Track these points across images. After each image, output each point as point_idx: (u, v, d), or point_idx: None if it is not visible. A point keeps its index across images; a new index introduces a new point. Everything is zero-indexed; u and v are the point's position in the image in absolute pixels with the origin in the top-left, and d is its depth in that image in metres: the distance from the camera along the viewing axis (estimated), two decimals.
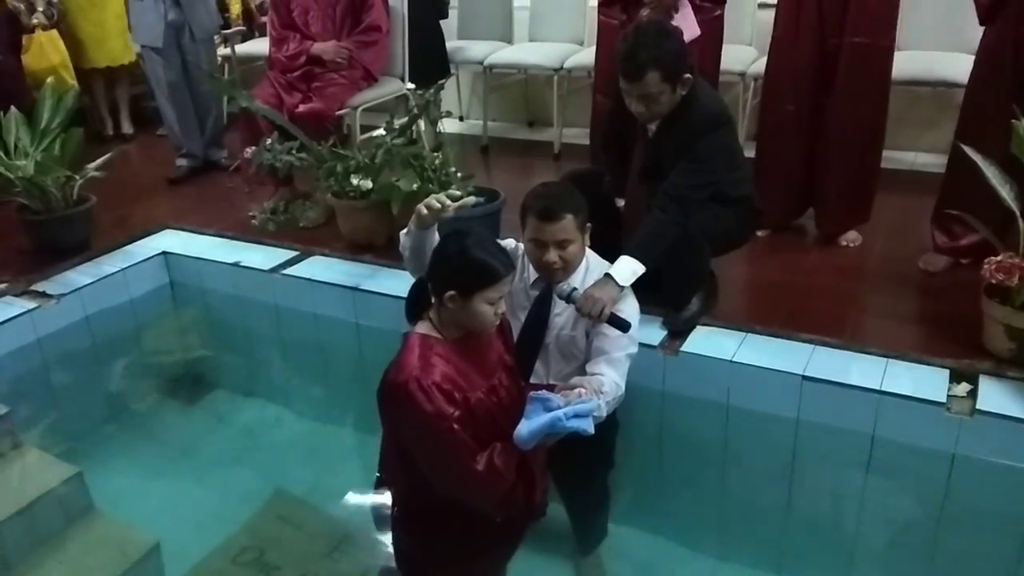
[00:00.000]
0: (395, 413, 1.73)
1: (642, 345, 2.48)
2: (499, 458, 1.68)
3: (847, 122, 2.96)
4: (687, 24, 2.89)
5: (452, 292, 1.69)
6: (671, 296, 2.57)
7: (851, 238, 3.16)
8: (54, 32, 4.79)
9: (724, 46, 3.27)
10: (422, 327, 1.75)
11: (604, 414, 1.87)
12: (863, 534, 2.31)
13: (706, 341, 2.50)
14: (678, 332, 2.55)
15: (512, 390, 1.81)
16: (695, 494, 2.47)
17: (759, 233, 3.22)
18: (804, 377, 2.31)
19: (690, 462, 2.52)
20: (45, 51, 4.67)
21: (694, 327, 2.56)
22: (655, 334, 2.54)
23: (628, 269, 2.20)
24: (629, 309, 2.11)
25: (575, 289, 2.07)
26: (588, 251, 2.18)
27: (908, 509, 2.29)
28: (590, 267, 2.16)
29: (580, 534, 2.27)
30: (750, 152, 3.36)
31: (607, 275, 2.15)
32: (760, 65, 3.72)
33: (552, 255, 2.05)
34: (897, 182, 3.53)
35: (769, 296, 2.82)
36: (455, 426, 1.64)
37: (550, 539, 2.23)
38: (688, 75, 2.30)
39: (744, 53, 4.06)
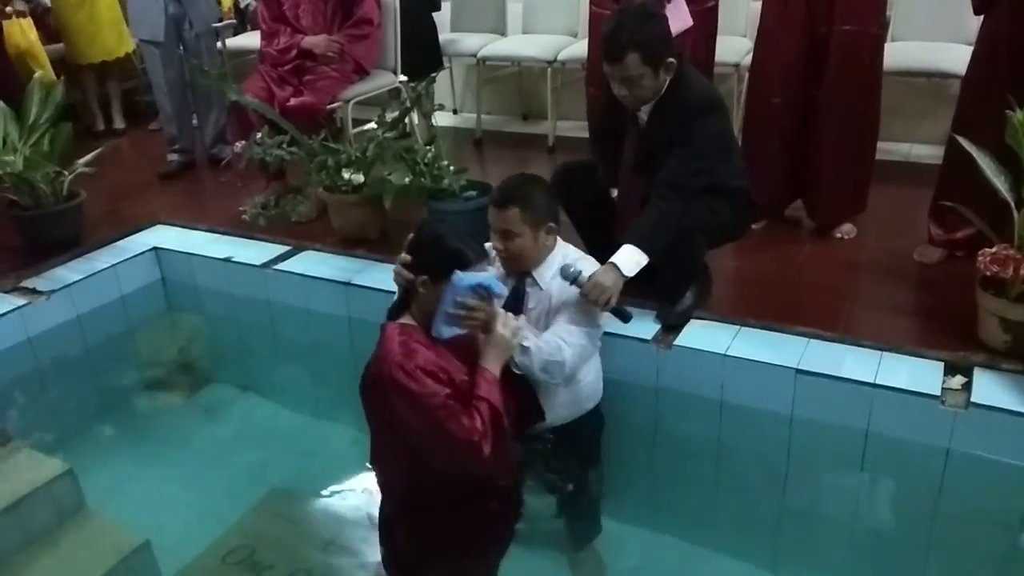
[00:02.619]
0: (386, 404, 1.75)
1: (635, 339, 2.50)
2: (486, 413, 1.75)
3: (839, 112, 2.94)
4: (679, 14, 2.87)
5: (424, 277, 1.79)
6: (665, 289, 2.56)
7: (845, 230, 3.14)
8: (26, 20, 4.74)
9: (718, 37, 3.25)
10: (401, 319, 1.83)
11: (533, 363, 1.96)
12: (857, 529, 2.31)
13: (700, 335, 2.49)
14: (672, 326, 2.53)
15: None
16: (689, 488, 2.46)
17: (754, 226, 3.21)
18: (798, 370, 2.30)
19: (684, 456, 2.51)
20: (13, 38, 4.61)
21: (688, 321, 2.55)
22: (648, 328, 2.52)
23: (632, 259, 2.21)
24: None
25: (581, 273, 2.08)
26: (566, 248, 2.19)
27: (903, 502, 2.29)
28: (579, 257, 2.16)
29: (572, 531, 2.26)
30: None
31: (612, 264, 2.16)
32: None
33: (496, 241, 2.09)
34: (892, 174, 3.51)
35: (763, 289, 2.81)
36: (449, 401, 1.71)
37: (544, 538, 2.22)
38: (672, 59, 2.29)
39: (738, 44, 4.04)
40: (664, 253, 2.34)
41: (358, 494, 2.43)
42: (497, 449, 1.74)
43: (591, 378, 2.20)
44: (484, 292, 1.83)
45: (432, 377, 1.72)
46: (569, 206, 2.75)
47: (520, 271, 2.14)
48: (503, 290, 1.89)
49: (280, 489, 2.52)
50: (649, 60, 2.25)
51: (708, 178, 2.36)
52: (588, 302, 2.09)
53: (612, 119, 2.61)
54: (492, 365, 1.84)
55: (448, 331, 1.83)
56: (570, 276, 2.08)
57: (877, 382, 2.23)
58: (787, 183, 3.17)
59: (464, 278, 1.79)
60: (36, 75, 3.69)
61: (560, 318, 2.09)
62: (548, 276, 2.12)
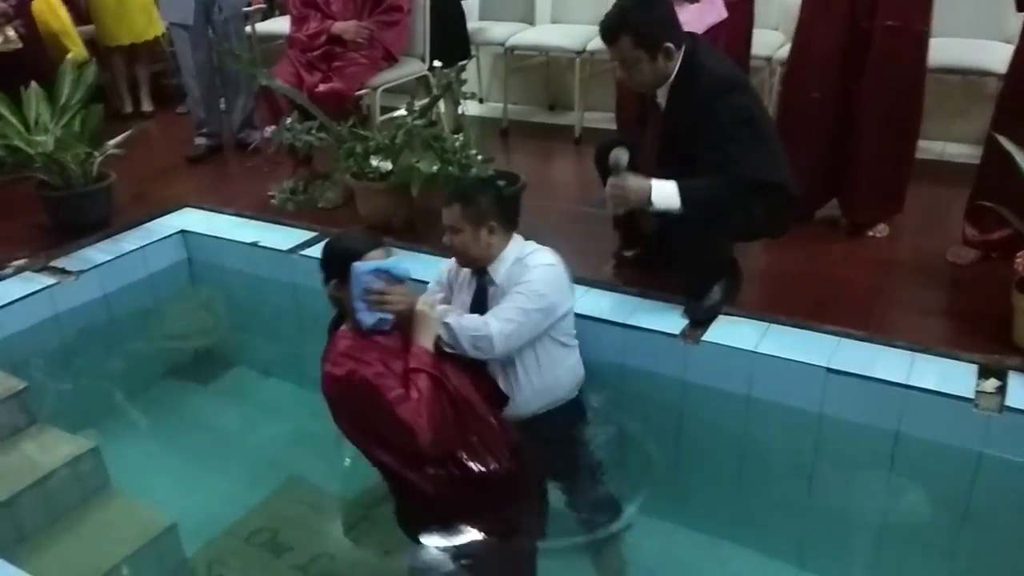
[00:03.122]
0: (344, 396, 1.96)
1: (663, 333, 2.48)
2: (423, 383, 1.93)
3: (879, 110, 2.88)
4: (714, 7, 2.85)
5: (334, 281, 2.01)
6: (690, 283, 2.54)
7: (878, 229, 3.09)
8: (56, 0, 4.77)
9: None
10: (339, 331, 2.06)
11: (460, 339, 2.07)
12: (884, 530, 2.27)
13: (728, 331, 2.46)
14: (699, 321, 2.51)
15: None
16: (714, 484, 2.43)
17: None
18: (828, 369, 2.27)
19: (710, 452, 2.49)
20: (45, 19, 4.62)
21: (715, 316, 2.52)
22: (676, 322, 2.50)
23: (665, 193, 2.27)
24: (536, 279, 2.15)
25: (623, 167, 2.26)
26: (523, 246, 2.24)
27: (932, 506, 2.25)
28: (515, 261, 2.20)
29: (583, 523, 2.25)
30: None
31: (649, 182, 2.28)
32: (786, 50, 3.64)
33: (446, 236, 2.22)
34: (925, 172, 3.45)
35: (794, 286, 2.77)
36: (379, 380, 1.90)
37: (566, 532, 2.22)
38: (670, 45, 2.29)
39: (771, 37, 3.99)
40: (684, 248, 2.37)
41: (380, 479, 2.44)
42: (434, 420, 1.90)
43: (563, 369, 2.26)
44: (385, 274, 1.99)
45: (354, 360, 1.93)
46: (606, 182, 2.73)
47: (473, 268, 2.26)
48: (405, 271, 2.04)
49: (302, 473, 2.53)
50: (642, 44, 2.27)
51: (743, 166, 2.29)
52: (606, 190, 2.29)
53: (638, 106, 2.59)
54: (422, 341, 2.01)
55: (369, 316, 1.98)
56: (617, 165, 2.27)
57: (909, 383, 2.20)
58: (822, 181, 3.11)
59: (361, 266, 1.97)
60: (69, 56, 3.71)
61: (502, 300, 2.17)
62: (502, 272, 2.21)
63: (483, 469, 2.02)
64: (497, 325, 2.09)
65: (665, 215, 2.32)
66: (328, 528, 2.28)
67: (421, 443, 1.89)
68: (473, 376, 2.13)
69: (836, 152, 3.04)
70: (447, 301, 2.35)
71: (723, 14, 2.86)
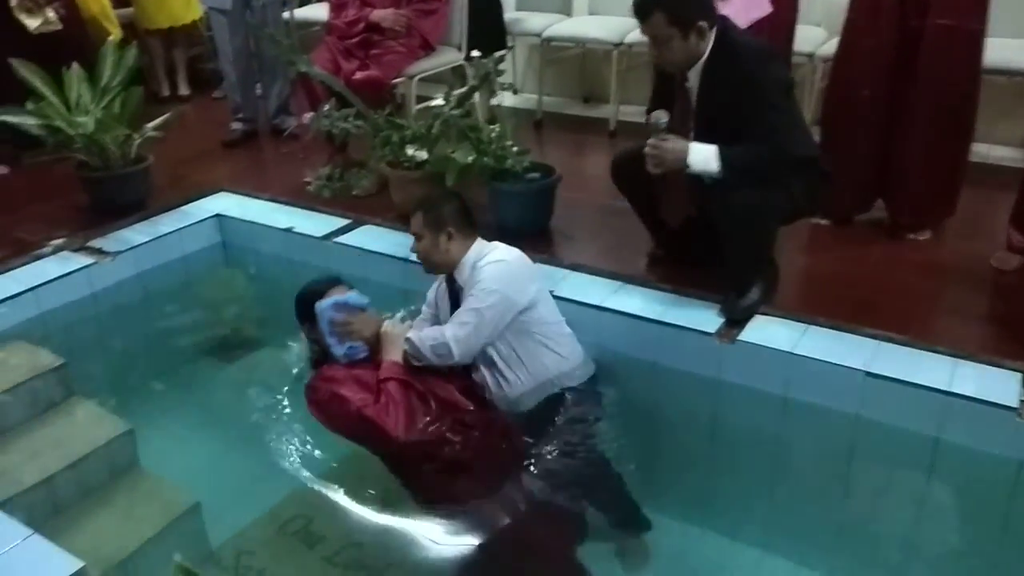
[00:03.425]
0: (322, 413, 2.21)
1: (698, 332, 2.45)
2: (394, 388, 2.13)
3: (932, 110, 2.80)
4: (759, 1, 2.80)
5: (307, 326, 2.31)
6: (732, 277, 2.52)
7: (921, 232, 3.03)
8: None
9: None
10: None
11: (421, 350, 2.23)
12: (920, 538, 2.23)
13: (765, 331, 2.43)
14: (736, 320, 2.47)
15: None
16: (746, 485, 2.40)
17: (822, 222, 3.13)
18: (868, 373, 2.23)
19: (743, 453, 2.46)
20: (85, 1, 4.65)
21: (752, 316, 2.49)
22: (712, 321, 2.47)
23: (703, 155, 2.31)
24: (485, 278, 2.20)
25: (665, 129, 2.33)
26: (482, 248, 2.30)
27: (970, 513, 2.21)
28: (473, 265, 2.26)
29: (605, 516, 2.25)
30: (817, 137, 3.25)
31: (689, 144, 2.32)
32: (829, 47, 3.59)
33: (412, 244, 2.36)
34: (970, 175, 3.38)
35: (832, 288, 2.73)
36: (357, 393, 2.14)
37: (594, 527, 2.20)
38: (703, 23, 2.29)
39: (813, 33, 3.92)
40: (733, 238, 2.37)
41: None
42: (404, 418, 2.08)
43: (550, 360, 2.28)
44: (344, 306, 2.25)
45: (326, 381, 2.20)
46: (629, 195, 2.73)
47: (437, 273, 2.39)
48: (362, 299, 2.31)
49: (337, 459, 2.53)
50: (676, 21, 2.27)
51: (785, 137, 2.32)
52: (644, 152, 2.35)
53: (663, 93, 2.58)
54: (390, 356, 2.23)
55: (341, 348, 2.25)
56: (657, 126, 2.34)
57: (951, 390, 2.15)
58: (868, 181, 3.04)
59: (323, 303, 2.24)
60: (110, 38, 3.73)
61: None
62: (465, 275, 2.29)
63: (467, 453, 2.12)
64: (451, 331, 2.21)
65: (700, 179, 2.36)
66: (359, 519, 2.28)
67: (395, 438, 2.07)
68: (448, 377, 2.28)
69: (884, 152, 2.96)
70: (437, 319, 2.44)
71: (767, 9, 2.81)
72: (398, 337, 2.26)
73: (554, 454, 2.21)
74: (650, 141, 2.34)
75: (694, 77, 2.41)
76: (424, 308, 2.53)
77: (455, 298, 2.35)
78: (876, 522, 2.25)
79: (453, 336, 2.20)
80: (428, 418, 2.14)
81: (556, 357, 2.30)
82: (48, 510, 2.09)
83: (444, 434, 2.13)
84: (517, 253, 2.32)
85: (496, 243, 2.35)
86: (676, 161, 2.31)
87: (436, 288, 2.48)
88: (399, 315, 2.48)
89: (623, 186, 2.78)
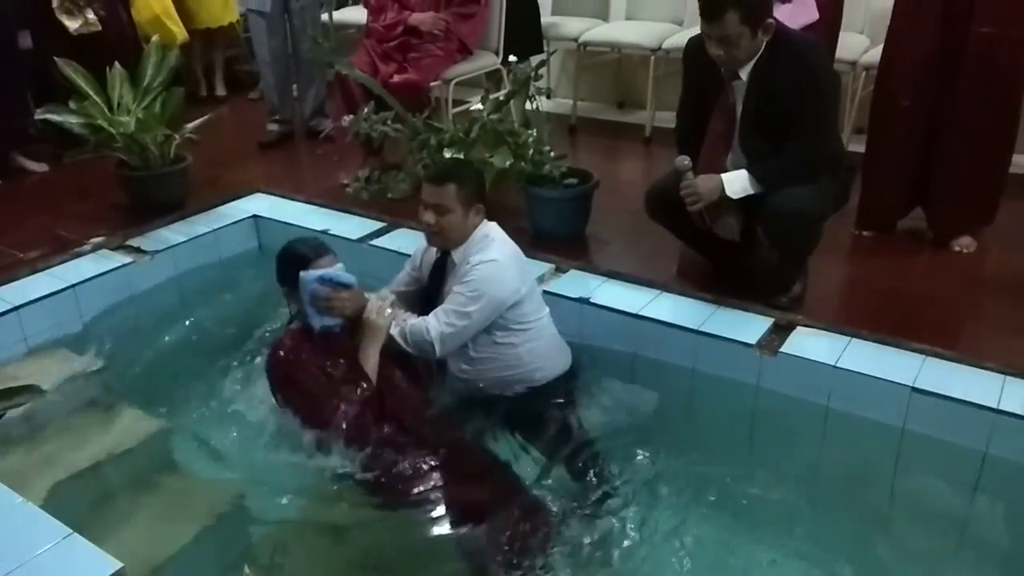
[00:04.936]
0: (278, 376, 2.21)
1: (738, 343, 2.41)
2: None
3: (973, 119, 2.78)
4: (806, 7, 2.77)
5: (285, 288, 2.21)
6: (779, 274, 2.58)
7: (964, 243, 2.97)
8: None
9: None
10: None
11: (406, 346, 2.23)
12: (964, 552, 2.17)
13: (807, 343, 2.39)
14: (785, 308, 2.53)
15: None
16: (784, 496, 2.35)
17: (864, 233, 3.09)
18: (914, 389, 2.18)
19: (781, 467, 2.41)
20: (148, 2, 4.72)
21: (798, 307, 2.53)
22: (752, 331, 2.43)
23: (739, 182, 2.40)
24: (475, 279, 2.18)
25: (689, 170, 2.41)
26: (487, 228, 2.28)
27: (1018, 531, 2.15)
28: (472, 256, 2.23)
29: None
30: (858, 146, 3.21)
31: (718, 176, 2.39)
32: (872, 55, 3.54)
33: (428, 216, 2.23)
34: (1016, 186, 3.31)
35: (875, 300, 2.68)
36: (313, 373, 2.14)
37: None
38: (771, 20, 2.31)
39: (856, 41, 3.87)
40: (785, 239, 2.48)
41: None
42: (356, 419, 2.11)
43: (524, 350, 2.29)
44: (330, 283, 2.14)
45: (291, 366, 2.18)
46: (670, 227, 2.74)
47: (445, 248, 2.30)
48: (349, 278, 2.19)
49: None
50: (748, 20, 2.27)
51: (825, 145, 2.42)
52: (680, 195, 2.43)
53: (696, 96, 2.61)
54: (367, 350, 2.18)
55: (319, 321, 2.17)
56: (681, 168, 2.40)
57: (1000, 408, 2.10)
58: (908, 189, 3.01)
59: (308, 274, 2.12)
60: (153, 39, 3.77)
61: (448, 296, 2.24)
62: (462, 254, 2.26)
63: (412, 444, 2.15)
64: (437, 331, 2.20)
65: (747, 202, 2.43)
66: (390, 519, 2.27)
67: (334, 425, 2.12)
68: (398, 363, 2.27)
69: (925, 161, 2.93)
70: (420, 282, 2.44)
71: (814, 15, 2.78)
72: (380, 330, 2.20)
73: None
74: (683, 184, 2.41)
75: (745, 75, 2.41)
76: (406, 266, 2.52)
77: (440, 271, 2.34)
78: (916, 535, 2.19)
79: (439, 336, 2.20)
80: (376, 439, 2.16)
81: (530, 349, 2.31)
82: (84, 508, 2.10)
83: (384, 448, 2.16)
84: (511, 249, 2.30)
85: (493, 227, 2.32)
86: (711, 194, 2.40)
87: (423, 251, 2.45)
88: (383, 291, 2.43)
89: (661, 220, 2.80)
